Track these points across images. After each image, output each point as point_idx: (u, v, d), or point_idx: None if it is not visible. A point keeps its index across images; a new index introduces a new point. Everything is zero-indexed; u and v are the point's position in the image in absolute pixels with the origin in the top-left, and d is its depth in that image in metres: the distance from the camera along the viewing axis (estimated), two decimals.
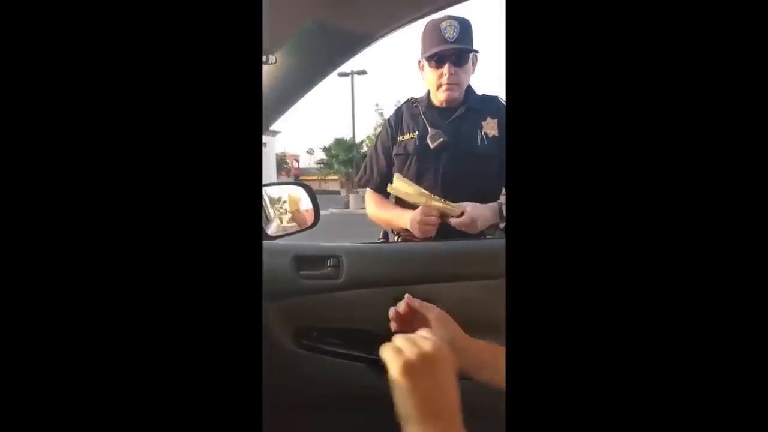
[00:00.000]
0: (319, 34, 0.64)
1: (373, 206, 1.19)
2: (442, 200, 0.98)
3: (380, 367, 0.81)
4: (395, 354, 0.40)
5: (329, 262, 0.86)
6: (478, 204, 0.99)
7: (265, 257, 0.90)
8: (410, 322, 0.53)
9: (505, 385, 0.31)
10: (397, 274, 0.85)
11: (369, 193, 1.21)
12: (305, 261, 0.88)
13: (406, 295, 0.52)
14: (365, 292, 0.84)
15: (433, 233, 0.99)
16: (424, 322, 0.51)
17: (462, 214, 0.96)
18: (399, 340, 0.42)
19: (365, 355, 0.83)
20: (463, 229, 0.96)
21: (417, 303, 0.52)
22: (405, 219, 1.04)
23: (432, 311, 0.51)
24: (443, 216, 0.98)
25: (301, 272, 0.87)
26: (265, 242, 0.93)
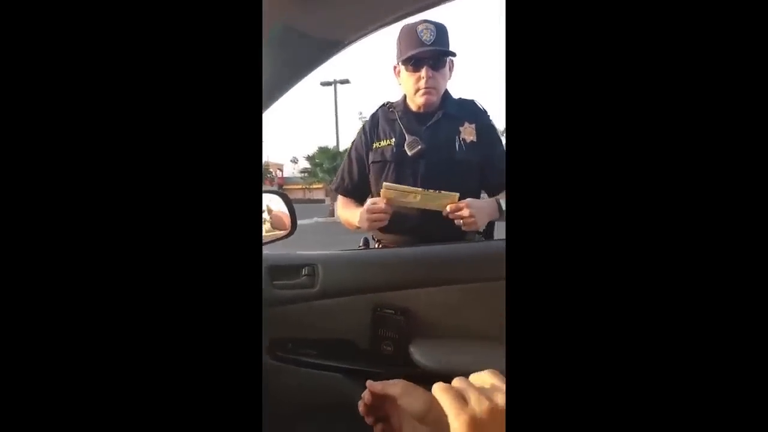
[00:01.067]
0: (287, 39, 0.63)
1: (340, 209, 1.20)
2: (437, 191, 0.93)
3: (358, 378, 0.80)
4: (460, 406, 0.35)
5: (304, 271, 0.84)
6: (476, 200, 0.96)
7: None
8: (381, 406, 0.52)
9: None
10: (373, 282, 0.84)
11: (339, 199, 1.22)
12: (279, 271, 0.86)
13: (368, 383, 0.51)
14: (341, 301, 0.83)
15: (383, 223, 0.96)
16: (391, 400, 0.50)
17: (459, 198, 0.92)
18: (460, 383, 0.38)
19: (342, 366, 0.82)
20: (463, 225, 0.92)
21: (378, 386, 0.50)
22: (356, 215, 1.03)
23: (395, 387, 0.49)
24: (433, 207, 0.93)
25: (275, 282, 0.85)
26: None
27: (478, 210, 0.93)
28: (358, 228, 1.05)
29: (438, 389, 0.38)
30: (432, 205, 0.93)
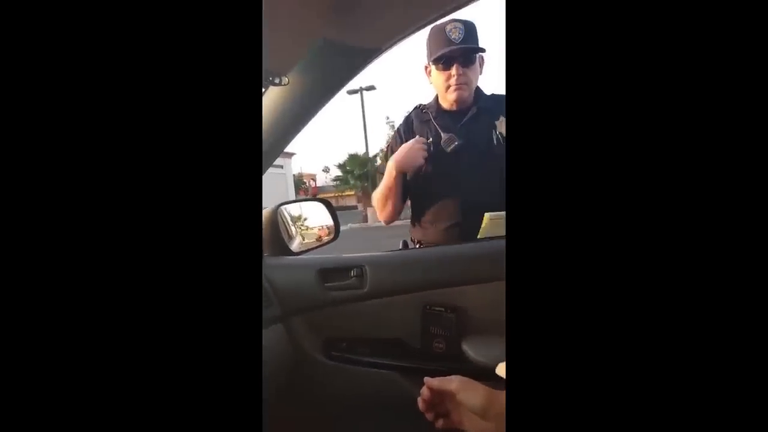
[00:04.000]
0: (329, 52, 0.66)
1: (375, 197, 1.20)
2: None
3: (413, 375, 0.81)
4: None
5: (353, 273, 0.87)
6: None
7: (290, 272, 0.92)
8: (441, 402, 0.54)
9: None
10: (419, 281, 0.85)
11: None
12: (329, 273, 0.89)
13: (425, 379, 0.53)
14: (390, 300, 0.85)
15: (422, 160, 1.04)
16: (450, 395, 0.53)
17: None
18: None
19: (395, 363, 0.83)
20: None
21: (436, 382, 0.53)
22: (390, 165, 1.08)
23: (453, 382, 0.52)
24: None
25: (327, 284, 0.88)
26: (289, 257, 0.95)
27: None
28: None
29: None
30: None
